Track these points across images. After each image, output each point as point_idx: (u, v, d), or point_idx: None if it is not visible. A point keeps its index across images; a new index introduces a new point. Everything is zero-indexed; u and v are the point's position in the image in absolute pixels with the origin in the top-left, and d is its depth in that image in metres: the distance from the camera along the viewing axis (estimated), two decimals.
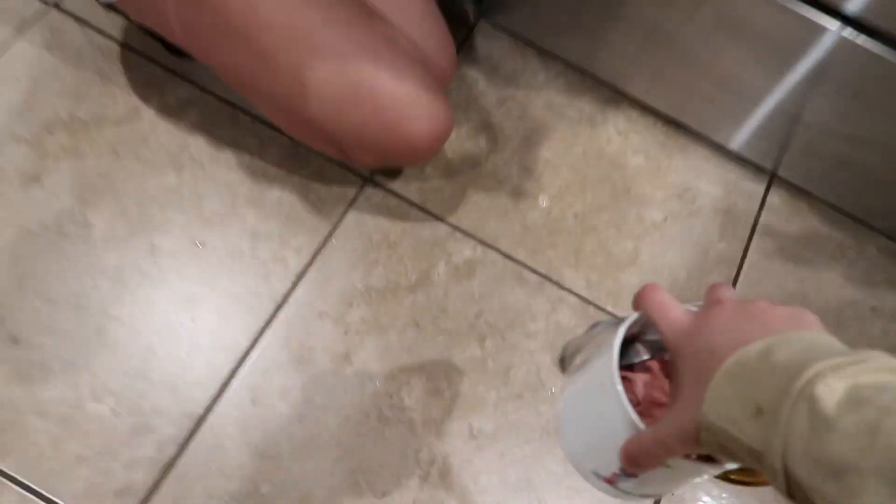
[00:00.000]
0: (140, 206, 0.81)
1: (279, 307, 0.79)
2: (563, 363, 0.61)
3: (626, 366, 0.51)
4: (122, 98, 0.86)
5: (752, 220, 0.94)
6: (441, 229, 0.86)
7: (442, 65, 0.82)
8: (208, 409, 0.73)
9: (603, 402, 0.43)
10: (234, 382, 0.75)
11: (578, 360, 0.58)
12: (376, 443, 0.75)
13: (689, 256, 0.90)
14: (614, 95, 0.97)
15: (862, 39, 0.72)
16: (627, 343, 0.50)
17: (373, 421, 0.75)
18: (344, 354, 0.78)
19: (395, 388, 0.77)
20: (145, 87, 0.87)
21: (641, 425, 0.39)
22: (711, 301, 0.38)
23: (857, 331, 0.90)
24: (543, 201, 0.89)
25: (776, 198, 0.96)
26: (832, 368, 0.28)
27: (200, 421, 0.73)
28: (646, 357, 0.52)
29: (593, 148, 0.94)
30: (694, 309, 0.42)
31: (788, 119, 0.86)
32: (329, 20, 0.66)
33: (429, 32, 0.80)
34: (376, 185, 0.86)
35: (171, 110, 0.86)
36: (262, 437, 0.73)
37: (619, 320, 0.46)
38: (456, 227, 0.86)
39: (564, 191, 0.90)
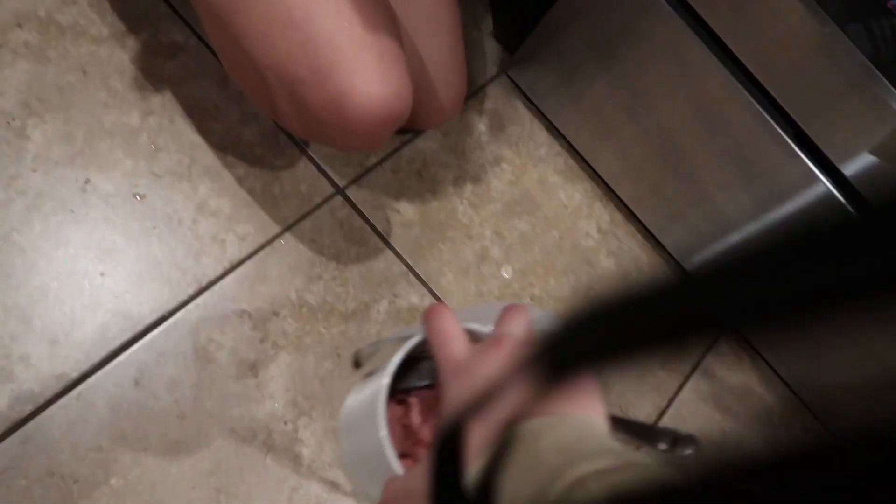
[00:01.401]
0: (90, 135, 0.73)
1: (201, 291, 0.72)
2: (356, 364, 0.57)
3: (406, 389, 0.49)
4: (112, 19, 0.78)
5: (696, 359, 0.92)
6: (396, 267, 0.81)
7: (450, 94, 0.78)
8: (84, 376, 0.65)
9: (370, 429, 0.41)
10: (123, 356, 0.67)
11: (367, 367, 0.55)
12: (254, 467, 0.68)
13: (628, 375, 0.87)
14: (607, 193, 0.95)
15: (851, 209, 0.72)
16: (418, 360, 0.48)
17: (258, 443, 0.68)
18: (252, 363, 0.71)
19: (294, 416, 0.70)
20: (140, 18, 0.80)
21: (398, 469, 0.37)
22: (493, 338, 0.36)
23: None
24: (506, 272, 0.86)
25: (725, 345, 0.95)
26: (594, 475, 0.26)
27: (71, 386, 0.64)
28: (426, 383, 0.49)
29: (570, 237, 0.91)
30: (482, 330, 0.40)
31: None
32: None
33: (445, 63, 0.76)
34: (346, 199, 0.81)
35: (160, 50, 0.79)
36: (132, 424, 0.65)
37: (407, 337, 0.44)
38: (411, 270, 0.81)
39: (529, 269, 0.87)
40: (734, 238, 0.85)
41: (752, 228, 0.83)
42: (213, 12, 0.61)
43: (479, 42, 0.98)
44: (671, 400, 0.89)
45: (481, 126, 0.92)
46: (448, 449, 0.28)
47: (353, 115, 0.57)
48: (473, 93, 0.94)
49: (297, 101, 0.60)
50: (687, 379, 0.91)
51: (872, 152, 0.66)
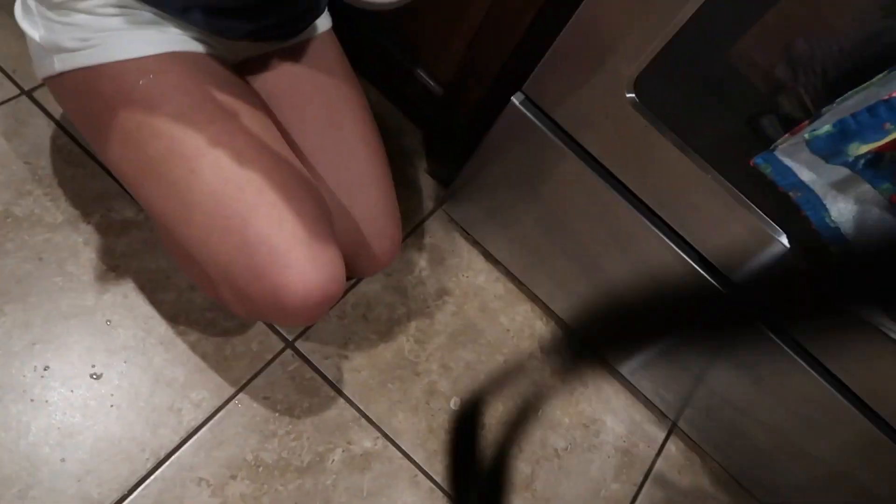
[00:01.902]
0: (47, 321, 0.77)
1: (159, 464, 0.75)
2: None
3: None
4: (65, 204, 0.84)
5: (647, 466, 0.96)
6: (348, 413, 0.85)
7: (384, 245, 0.83)
8: None
9: None
10: None
11: None
12: None
13: (580, 492, 0.90)
14: (546, 313, 1.01)
15: (792, 352, 0.78)
16: None
17: None
18: None
19: None
20: (93, 199, 0.85)
21: None
22: None
23: None
24: (455, 404, 0.90)
25: (674, 447, 0.99)
26: None
27: None
28: None
29: (515, 361, 0.96)
30: None
31: (694, 379, 0.91)
32: (224, 142, 0.62)
33: (377, 216, 0.81)
34: (296, 351, 0.86)
35: (113, 228, 0.85)
36: None
37: None
38: (363, 414, 0.85)
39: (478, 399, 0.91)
40: (666, 357, 0.91)
41: (684, 350, 0.88)
42: (159, 220, 0.66)
43: (415, 179, 1.05)
44: None
45: (422, 262, 0.98)
46: (466, 425, 0.28)
47: (292, 304, 0.62)
48: (412, 229, 1.00)
49: (236, 292, 0.65)
50: (640, 488, 0.94)
51: None
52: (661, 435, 1.00)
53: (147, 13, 0.63)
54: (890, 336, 0.66)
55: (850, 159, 0.53)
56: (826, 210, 0.62)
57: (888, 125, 0.48)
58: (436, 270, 0.98)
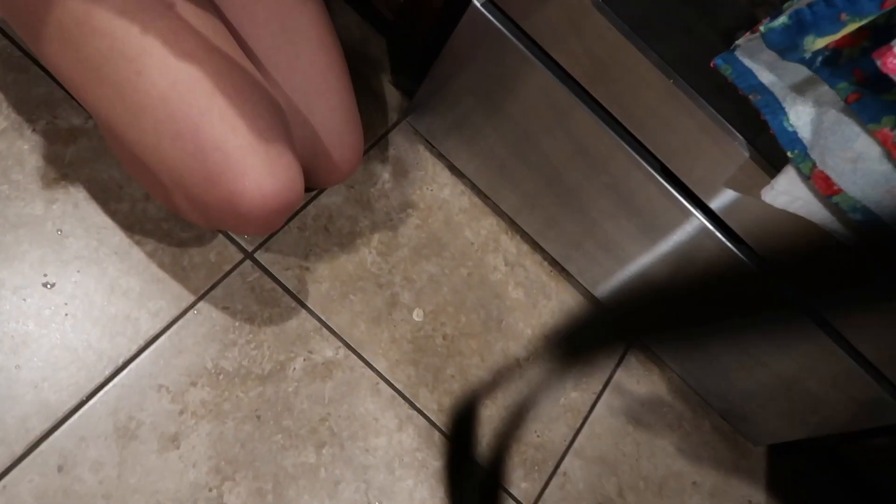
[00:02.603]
0: None
1: (118, 371, 0.75)
2: None
3: None
4: (7, 111, 0.81)
5: (606, 375, 0.98)
6: (309, 323, 0.85)
7: (344, 154, 0.81)
8: (7, 470, 0.68)
9: None
10: (44, 445, 0.70)
11: None
12: None
13: (539, 401, 0.93)
14: (511, 227, 1.00)
15: (720, 236, 0.79)
16: None
17: None
18: (173, 435, 0.74)
19: (219, 481, 0.74)
20: (37, 106, 0.82)
21: None
22: None
23: (675, 502, 0.95)
24: (418, 316, 0.91)
25: (633, 358, 1.01)
26: None
27: None
28: None
29: (479, 273, 0.96)
30: None
31: (652, 289, 0.92)
32: (170, 41, 0.58)
33: (337, 124, 0.79)
34: (255, 262, 0.85)
35: (59, 136, 0.82)
36: None
37: None
38: (324, 324, 0.85)
39: (440, 310, 0.92)
40: (630, 264, 0.91)
41: (642, 254, 0.89)
42: (106, 126, 0.64)
43: (379, 90, 1.02)
44: (585, 419, 0.95)
45: (385, 174, 0.97)
46: (461, 427, 0.29)
47: (249, 212, 0.61)
48: (376, 141, 0.98)
49: (193, 200, 0.63)
50: (599, 397, 0.97)
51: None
52: (621, 346, 1.01)
53: None
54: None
55: (808, 55, 0.52)
56: (785, 113, 0.61)
57: (844, 16, 0.46)
58: (399, 183, 0.97)
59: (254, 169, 0.60)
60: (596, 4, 0.68)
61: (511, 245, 1.00)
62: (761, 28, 0.50)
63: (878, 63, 0.47)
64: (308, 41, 0.76)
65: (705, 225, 0.79)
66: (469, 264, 0.96)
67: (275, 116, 0.65)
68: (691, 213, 0.79)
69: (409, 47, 0.97)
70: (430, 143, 1.00)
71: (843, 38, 0.50)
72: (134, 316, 0.78)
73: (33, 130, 0.81)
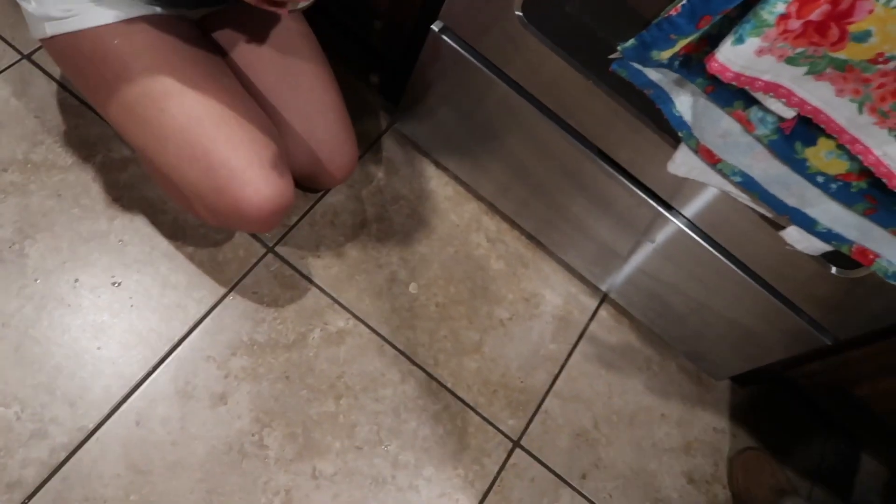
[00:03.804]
0: (72, 244, 0.96)
1: (174, 347, 0.95)
2: None
3: None
4: (72, 150, 1.01)
5: (580, 329, 1.15)
6: (323, 301, 1.04)
7: (340, 162, 0.98)
8: (98, 425, 0.89)
9: None
10: (125, 406, 0.91)
11: None
12: (233, 471, 0.91)
13: (522, 352, 1.10)
14: (490, 209, 1.17)
15: (683, 226, 0.94)
16: None
17: (234, 453, 0.92)
18: (221, 395, 0.94)
19: (258, 428, 0.94)
20: (95, 143, 1.02)
21: None
22: None
23: (645, 431, 1.11)
24: (413, 289, 1.09)
25: (605, 313, 1.18)
26: None
27: (90, 434, 0.88)
28: None
29: (464, 250, 1.14)
30: None
31: (622, 259, 1.08)
32: (186, 85, 0.77)
33: (332, 138, 0.97)
34: (276, 254, 1.04)
35: (114, 166, 1.02)
36: (139, 454, 0.89)
37: None
38: (335, 301, 1.04)
39: (432, 283, 1.10)
40: (596, 241, 1.08)
41: (614, 236, 1.05)
42: (141, 154, 0.84)
43: (370, 100, 1.20)
44: (562, 366, 1.12)
45: (379, 173, 1.15)
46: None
47: (250, 214, 0.80)
48: (370, 145, 1.16)
49: (207, 207, 0.82)
50: (574, 347, 1.13)
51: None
52: (594, 304, 1.18)
53: None
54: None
55: (665, 62, 0.67)
56: (672, 102, 0.76)
57: (672, 36, 0.61)
58: (392, 180, 1.15)
59: (253, 180, 0.78)
60: (523, 24, 0.84)
61: (492, 224, 1.17)
62: (619, 47, 0.66)
63: (706, 66, 0.62)
64: (305, 72, 0.94)
65: (635, 191, 0.95)
66: (455, 243, 1.14)
67: (270, 139, 0.83)
68: (625, 184, 0.95)
69: (390, 65, 1.15)
70: (416, 144, 1.18)
71: (689, 45, 0.66)
72: (183, 304, 0.98)
73: (93, 163, 1.01)
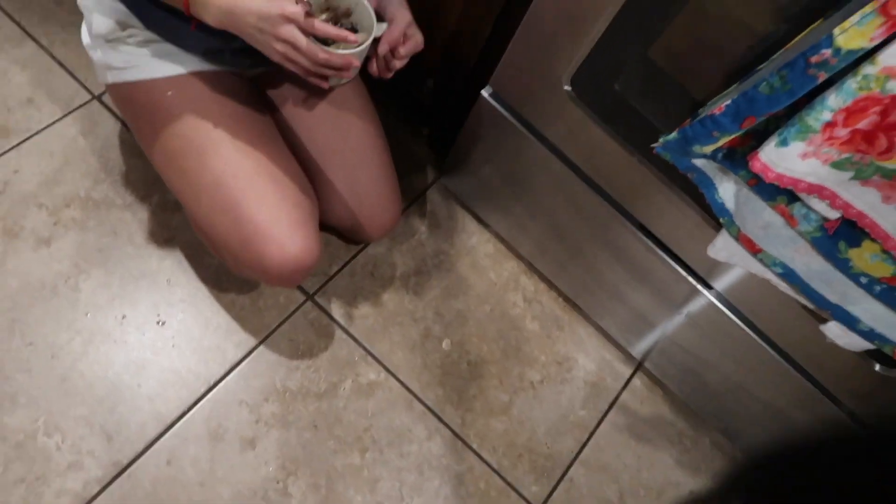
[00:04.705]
0: (122, 281, 1.01)
1: (210, 388, 0.98)
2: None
3: None
4: (131, 189, 1.06)
5: (613, 397, 1.14)
6: (357, 352, 1.05)
7: (382, 219, 1.00)
8: (132, 461, 0.92)
9: None
10: (158, 444, 0.93)
11: None
12: None
13: (551, 417, 1.09)
14: (529, 269, 1.18)
15: (721, 305, 0.93)
16: None
17: (258, 500, 0.94)
18: (251, 440, 0.96)
19: (284, 476, 0.96)
20: (152, 184, 1.07)
21: None
22: None
23: None
24: (446, 345, 1.09)
25: (638, 382, 1.16)
26: None
27: (123, 469, 0.91)
28: None
29: (500, 308, 1.14)
30: None
31: (659, 331, 1.07)
32: (227, 140, 0.81)
33: (377, 192, 0.99)
34: (315, 303, 1.07)
35: (168, 206, 1.06)
36: (166, 493, 0.91)
37: None
38: (369, 352, 1.06)
39: (466, 340, 1.10)
40: (633, 311, 1.07)
41: (650, 308, 1.04)
42: (180, 201, 0.88)
43: (418, 153, 1.22)
44: (591, 434, 1.10)
45: (422, 227, 1.17)
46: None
47: (271, 270, 0.82)
48: (415, 198, 1.18)
49: (234, 258, 0.86)
50: (605, 415, 1.12)
51: None
52: (628, 372, 1.16)
53: (170, 46, 0.82)
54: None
55: (708, 154, 0.67)
56: (715, 188, 0.76)
57: (715, 133, 0.61)
58: (434, 234, 1.17)
59: (277, 238, 0.80)
60: (571, 98, 0.86)
61: (529, 284, 1.17)
62: (661, 139, 0.67)
63: (749, 165, 0.62)
64: (355, 126, 0.97)
65: (672, 265, 0.94)
66: (492, 301, 1.14)
67: (301, 198, 0.85)
68: (662, 257, 0.94)
69: (440, 121, 1.17)
70: (460, 200, 1.19)
71: (734, 139, 0.66)
72: (222, 346, 1.01)
73: (149, 204, 1.06)
